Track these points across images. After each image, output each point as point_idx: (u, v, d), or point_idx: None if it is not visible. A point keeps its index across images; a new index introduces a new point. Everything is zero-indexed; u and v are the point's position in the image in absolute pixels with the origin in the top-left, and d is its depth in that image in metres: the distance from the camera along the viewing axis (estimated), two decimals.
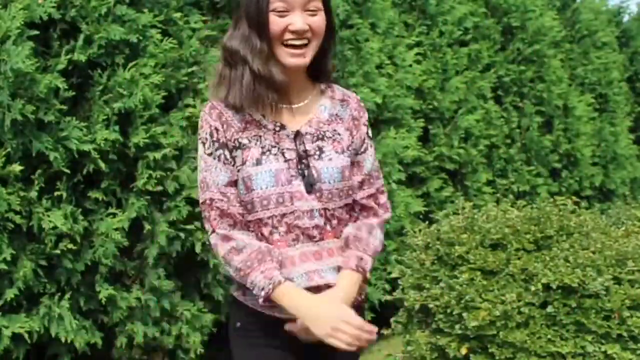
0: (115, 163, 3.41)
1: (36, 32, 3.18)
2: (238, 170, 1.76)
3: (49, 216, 3.16)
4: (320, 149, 1.78)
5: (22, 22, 3.09)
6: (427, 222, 3.71)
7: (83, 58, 3.30)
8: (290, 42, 1.72)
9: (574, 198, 3.84)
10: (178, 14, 3.70)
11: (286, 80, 1.74)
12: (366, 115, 1.91)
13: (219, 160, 1.76)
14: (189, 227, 3.52)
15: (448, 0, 5.97)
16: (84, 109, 3.42)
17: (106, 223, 3.32)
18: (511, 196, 6.22)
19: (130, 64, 3.43)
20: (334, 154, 1.79)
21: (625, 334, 2.93)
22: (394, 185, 4.87)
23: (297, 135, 1.78)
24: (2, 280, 3.16)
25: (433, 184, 5.52)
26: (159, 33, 3.58)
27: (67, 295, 3.24)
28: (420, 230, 3.56)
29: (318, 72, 1.84)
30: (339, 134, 1.83)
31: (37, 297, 3.27)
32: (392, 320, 3.49)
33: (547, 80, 6.92)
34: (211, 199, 1.75)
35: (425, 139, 5.64)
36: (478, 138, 6.04)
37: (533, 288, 3.01)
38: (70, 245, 3.21)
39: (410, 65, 5.38)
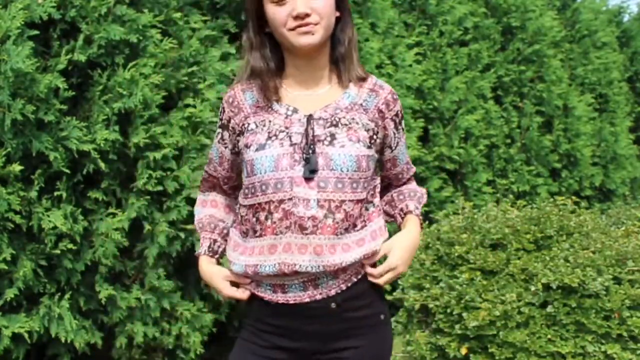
0: (115, 163, 3.41)
1: (36, 32, 3.18)
2: (240, 154, 1.83)
3: (48, 216, 3.15)
4: (333, 135, 1.73)
5: (22, 22, 3.09)
6: (427, 222, 3.71)
7: (83, 58, 3.29)
8: (296, 28, 1.70)
9: (574, 198, 3.84)
10: (178, 14, 3.70)
11: (275, 68, 1.80)
12: (398, 107, 1.85)
13: (216, 138, 1.92)
14: (189, 227, 3.52)
15: (448, 0, 5.97)
16: (84, 109, 3.42)
17: (106, 223, 3.32)
18: (511, 196, 6.21)
19: (130, 64, 3.43)
20: (347, 141, 1.72)
21: (625, 333, 2.93)
22: None
23: (309, 119, 1.74)
24: (2, 280, 3.16)
25: (433, 184, 5.52)
26: (159, 33, 3.58)
27: (67, 295, 3.24)
28: None
29: (338, 58, 1.81)
30: (357, 123, 1.76)
31: (37, 297, 3.27)
32: (392, 320, 3.48)
33: (547, 80, 6.92)
34: (206, 171, 2.00)
35: (425, 139, 5.64)
36: (478, 138, 6.04)
37: (533, 288, 3.01)
38: (70, 245, 3.21)
39: (410, 65, 5.38)
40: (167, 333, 3.56)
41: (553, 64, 6.99)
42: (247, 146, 1.76)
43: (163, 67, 3.57)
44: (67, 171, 3.24)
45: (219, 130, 1.90)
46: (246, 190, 1.78)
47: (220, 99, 3.70)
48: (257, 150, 1.73)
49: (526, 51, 6.78)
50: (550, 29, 7.05)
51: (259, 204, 1.73)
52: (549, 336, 2.95)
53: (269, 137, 1.74)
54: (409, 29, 5.76)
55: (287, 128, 1.73)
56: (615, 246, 3.19)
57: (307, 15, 1.69)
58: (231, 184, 1.98)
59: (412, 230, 1.87)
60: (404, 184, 2.00)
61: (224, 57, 3.96)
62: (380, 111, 1.81)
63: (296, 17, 1.68)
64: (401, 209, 1.94)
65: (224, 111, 1.86)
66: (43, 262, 3.20)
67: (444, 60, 5.83)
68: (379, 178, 1.90)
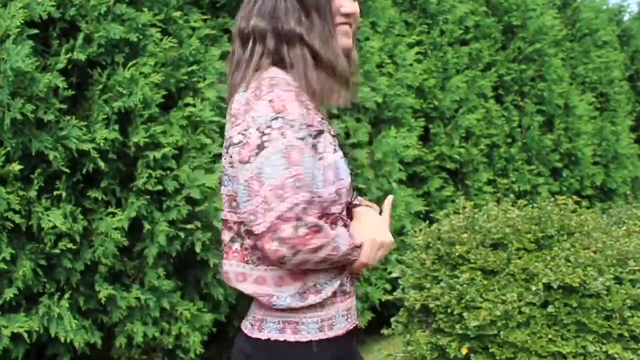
0: (114, 162, 3.41)
1: (36, 31, 3.18)
2: (320, 159, 1.51)
3: (48, 215, 3.15)
4: None
5: (22, 21, 3.08)
6: (427, 222, 3.70)
7: (83, 57, 3.29)
8: (339, 26, 1.57)
9: (575, 197, 3.83)
10: (178, 13, 3.69)
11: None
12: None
13: (312, 149, 1.47)
14: (188, 226, 3.51)
15: None
16: (84, 108, 3.42)
17: (106, 222, 3.31)
18: (512, 196, 6.21)
19: (130, 63, 3.42)
20: None
21: (626, 333, 2.93)
22: (394, 185, 4.86)
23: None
24: (2, 279, 3.15)
25: (434, 183, 5.51)
26: (159, 32, 3.57)
27: (67, 295, 3.23)
28: (420, 230, 3.55)
29: None
30: None
31: (36, 297, 3.26)
32: (392, 320, 3.48)
33: (548, 79, 6.91)
34: (310, 201, 1.43)
35: (425, 138, 5.63)
36: (479, 137, 6.03)
37: (534, 288, 3.01)
38: (69, 245, 3.21)
39: (411, 65, 5.37)
40: (167, 333, 3.56)
41: (554, 62, 6.98)
42: (324, 150, 1.53)
43: (163, 66, 3.56)
44: (67, 170, 3.24)
45: (309, 139, 1.52)
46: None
47: (221, 98, 3.69)
48: (335, 152, 1.55)
49: (527, 50, 6.77)
50: (551, 27, 7.04)
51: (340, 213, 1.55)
52: (549, 336, 2.94)
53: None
54: (410, 28, 5.75)
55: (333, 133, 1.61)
56: (616, 246, 3.18)
57: (354, 15, 1.60)
58: None
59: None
60: None
61: (224, 56, 3.95)
62: None
63: (345, 15, 1.58)
64: None
65: (303, 114, 1.55)
66: (42, 262, 3.20)
67: (444, 60, 5.82)
68: None
